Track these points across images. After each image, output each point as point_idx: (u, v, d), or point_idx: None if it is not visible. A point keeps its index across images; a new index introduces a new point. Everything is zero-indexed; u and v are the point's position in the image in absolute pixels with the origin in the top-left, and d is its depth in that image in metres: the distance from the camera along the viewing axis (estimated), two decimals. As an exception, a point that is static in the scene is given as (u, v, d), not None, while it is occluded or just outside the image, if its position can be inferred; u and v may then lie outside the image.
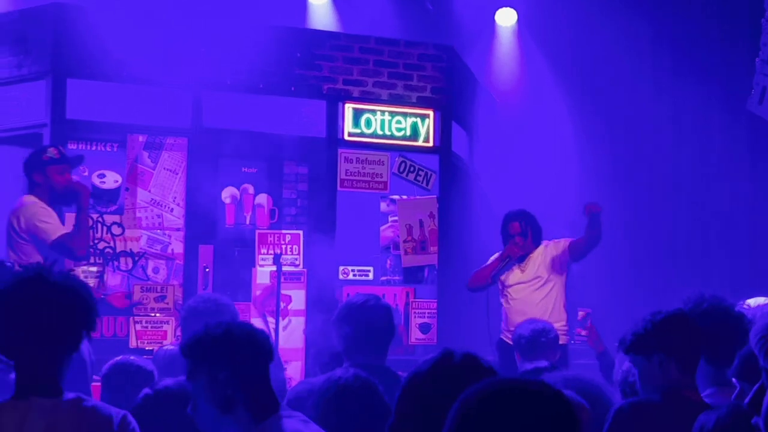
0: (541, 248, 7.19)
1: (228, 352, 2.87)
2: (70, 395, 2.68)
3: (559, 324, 6.62)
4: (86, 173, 6.85)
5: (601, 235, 6.93)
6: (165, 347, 5.12)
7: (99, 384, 4.33)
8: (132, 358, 4.31)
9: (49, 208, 5.82)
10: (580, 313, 6.21)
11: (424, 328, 7.68)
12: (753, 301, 4.30)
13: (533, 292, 7.08)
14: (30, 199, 5.87)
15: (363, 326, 4.25)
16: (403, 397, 2.29)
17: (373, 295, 4.49)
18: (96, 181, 6.89)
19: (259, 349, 2.94)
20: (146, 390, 3.32)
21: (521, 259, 7.13)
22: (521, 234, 7.10)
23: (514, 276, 7.14)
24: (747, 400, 2.73)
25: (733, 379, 3.20)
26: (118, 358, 4.39)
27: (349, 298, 4.56)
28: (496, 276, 7.15)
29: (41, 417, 2.59)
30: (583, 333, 5.93)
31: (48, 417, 2.59)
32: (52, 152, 5.91)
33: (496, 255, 7.23)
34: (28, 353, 2.62)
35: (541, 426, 1.73)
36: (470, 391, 1.81)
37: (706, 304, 3.70)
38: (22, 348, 2.62)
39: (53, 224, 5.76)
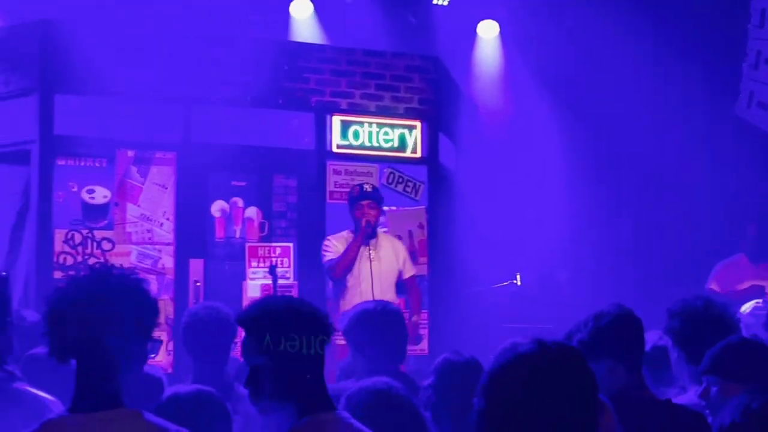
0: None
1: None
2: (128, 409, 2.54)
3: None
4: (75, 189, 6.82)
5: None
6: None
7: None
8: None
9: (334, 239, 6.87)
10: None
11: (416, 338, 7.66)
12: (744, 307, 4.36)
13: None
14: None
15: (378, 332, 4.17)
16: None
17: (381, 300, 4.44)
18: (85, 196, 6.86)
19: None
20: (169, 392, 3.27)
21: None
22: None
23: None
24: None
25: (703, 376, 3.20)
26: None
27: (359, 305, 4.48)
28: None
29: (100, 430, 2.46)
30: None
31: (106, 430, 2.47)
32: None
33: None
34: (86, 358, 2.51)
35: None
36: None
37: (698, 305, 3.68)
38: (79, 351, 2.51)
39: (331, 252, 6.78)
